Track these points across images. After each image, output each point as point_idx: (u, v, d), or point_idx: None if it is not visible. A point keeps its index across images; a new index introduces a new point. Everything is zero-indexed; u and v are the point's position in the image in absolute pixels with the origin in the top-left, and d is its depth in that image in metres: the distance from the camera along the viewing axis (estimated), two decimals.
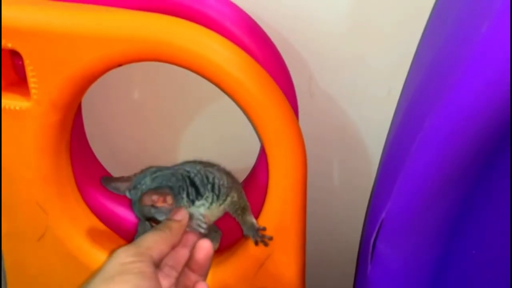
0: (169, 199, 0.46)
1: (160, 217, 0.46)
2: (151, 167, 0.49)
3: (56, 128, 0.52)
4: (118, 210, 0.60)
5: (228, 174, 0.52)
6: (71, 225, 0.57)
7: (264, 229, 0.53)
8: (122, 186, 0.49)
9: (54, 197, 0.56)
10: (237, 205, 0.52)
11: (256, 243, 0.53)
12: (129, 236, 0.60)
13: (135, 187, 0.48)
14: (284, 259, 0.55)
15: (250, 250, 0.55)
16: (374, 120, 0.61)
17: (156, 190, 0.46)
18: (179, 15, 0.48)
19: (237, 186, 0.52)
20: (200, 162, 0.52)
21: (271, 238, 0.53)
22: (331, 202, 0.68)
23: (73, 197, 0.58)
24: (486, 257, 0.53)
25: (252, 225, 0.53)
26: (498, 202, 0.49)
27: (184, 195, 0.47)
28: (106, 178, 0.50)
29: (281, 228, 0.54)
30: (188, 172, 0.48)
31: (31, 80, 0.48)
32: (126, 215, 0.60)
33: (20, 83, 0.52)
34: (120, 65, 0.48)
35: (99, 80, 0.52)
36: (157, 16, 0.47)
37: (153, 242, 0.42)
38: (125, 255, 0.39)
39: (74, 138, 0.57)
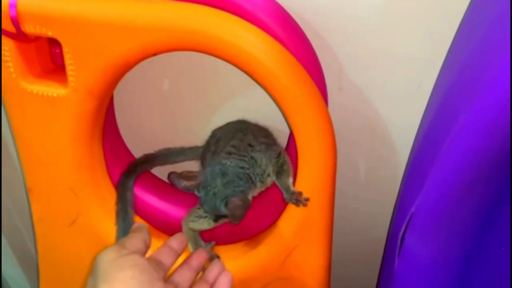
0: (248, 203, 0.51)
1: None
2: (203, 156, 0.55)
3: (91, 115, 0.53)
4: (146, 197, 0.61)
5: (265, 142, 0.54)
6: (102, 211, 0.58)
7: (300, 193, 0.53)
8: (189, 184, 0.52)
9: (86, 183, 0.57)
10: (275, 167, 0.53)
11: (296, 204, 0.53)
12: (156, 222, 0.61)
13: (204, 187, 0.51)
14: (310, 250, 0.55)
15: (277, 241, 0.56)
16: (403, 114, 0.61)
17: (241, 200, 0.50)
18: (213, 5, 0.48)
19: (273, 152, 0.54)
20: (234, 133, 0.54)
21: (307, 199, 0.53)
22: (359, 195, 0.68)
23: (104, 183, 0.59)
24: None
25: (288, 188, 0.53)
26: None
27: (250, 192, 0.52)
28: (174, 177, 0.53)
29: (308, 218, 0.54)
30: (243, 169, 0.51)
31: (69, 68, 0.49)
32: (153, 201, 0.61)
33: (57, 71, 0.53)
34: (155, 54, 0.49)
35: (131, 70, 0.53)
36: (193, 6, 0.47)
37: (130, 239, 0.43)
38: (110, 250, 0.40)
39: (106, 126, 0.58)
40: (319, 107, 0.48)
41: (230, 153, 0.52)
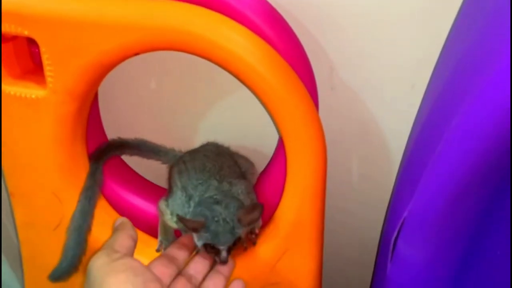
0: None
1: None
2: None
3: (72, 117, 0.51)
4: (132, 199, 0.60)
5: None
6: None
7: None
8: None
9: (70, 187, 0.56)
10: None
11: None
12: (141, 225, 0.59)
13: (212, 221, 0.48)
14: (301, 254, 0.54)
15: (267, 245, 0.54)
16: (396, 115, 0.60)
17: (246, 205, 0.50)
18: (197, 3, 0.46)
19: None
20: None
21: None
22: (350, 197, 0.67)
23: None
24: (511, 258, 0.51)
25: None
26: None
27: None
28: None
29: (298, 223, 0.53)
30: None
31: (47, 69, 0.47)
32: (140, 204, 0.60)
33: (36, 71, 0.51)
34: (137, 53, 0.47)
35: (117, 70, 0.51)
36: (175, 4, 0.46)
37: (118, 239, 0.43)
38: (101, 255, 0.40)
39: (90, 127, 0.56)
40: (307, 108, 0.47)
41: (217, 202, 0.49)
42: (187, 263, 0.48)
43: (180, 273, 0.46)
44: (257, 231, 0.55)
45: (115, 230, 0.45)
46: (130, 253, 0.43)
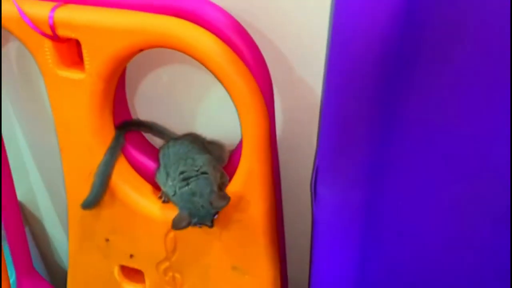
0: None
1: None
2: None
3: (102, 93, 0.74)
4: (143, 160, 0.83)
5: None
6: None
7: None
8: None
9: (100, 145, 0.79)
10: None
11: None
12: (149, 179, 0.82)
13: (192, 203, 0.71)
14: (255, 197, 0.74)
15: (230, 192, 0.73)
16: None
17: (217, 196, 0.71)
18: (183, 16, 0.68)
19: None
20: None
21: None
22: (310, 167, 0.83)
23: None
24: (417, 191, 0.60)
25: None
26: (419, 130, 0.55)
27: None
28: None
29: (251, 175, 0.73)
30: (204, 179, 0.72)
31: (85, 59, 0.71)
32: (148, 164, 0.82)
33: (79, 61, 0.76)
34: (141, 50, 0.70)
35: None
36: (167, 17, 0.68)
37: None
38: None
39: (117, 103, 0.79)
40: (252, 89, 0.67)
41: (184, 179, 0.71)
42: None
43: None
44: (226, 183, 0.76)
45: None
46: None
